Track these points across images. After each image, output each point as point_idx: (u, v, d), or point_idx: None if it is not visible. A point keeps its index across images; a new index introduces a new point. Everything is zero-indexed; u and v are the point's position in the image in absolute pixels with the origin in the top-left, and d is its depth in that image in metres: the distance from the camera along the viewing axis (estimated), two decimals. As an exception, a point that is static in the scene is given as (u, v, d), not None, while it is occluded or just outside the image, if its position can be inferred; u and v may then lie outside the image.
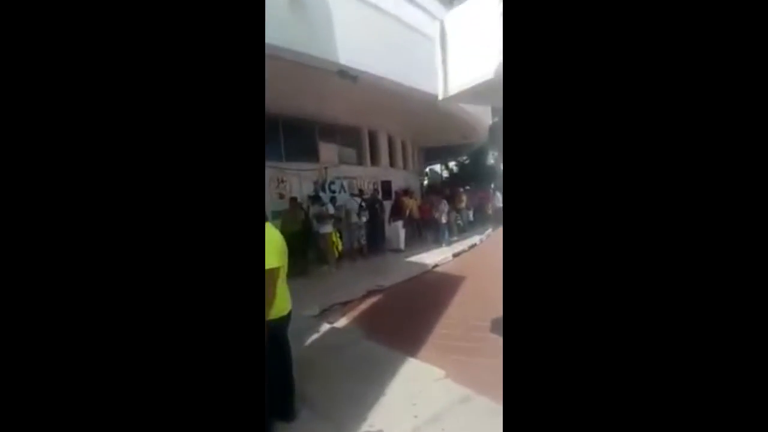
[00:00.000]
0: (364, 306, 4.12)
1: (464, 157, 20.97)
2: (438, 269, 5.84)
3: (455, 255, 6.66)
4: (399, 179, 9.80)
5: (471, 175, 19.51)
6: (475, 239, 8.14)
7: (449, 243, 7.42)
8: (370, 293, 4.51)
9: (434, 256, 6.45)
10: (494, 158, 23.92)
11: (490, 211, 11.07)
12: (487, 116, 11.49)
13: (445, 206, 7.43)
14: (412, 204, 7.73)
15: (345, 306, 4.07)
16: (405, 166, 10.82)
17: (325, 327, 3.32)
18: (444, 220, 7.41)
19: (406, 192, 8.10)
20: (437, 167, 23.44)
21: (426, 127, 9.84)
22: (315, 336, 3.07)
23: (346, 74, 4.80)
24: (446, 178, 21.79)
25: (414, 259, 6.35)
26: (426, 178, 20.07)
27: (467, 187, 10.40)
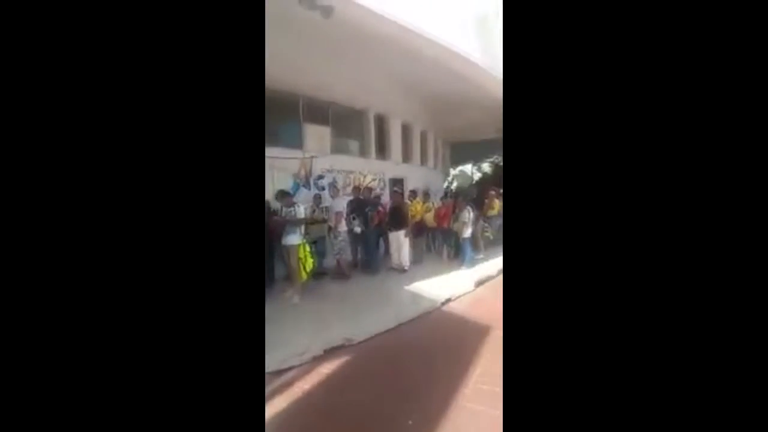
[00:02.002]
0: (303, 385, 2.35)
1: (497, 156, 18.67)
2: (450, 307, 3.95)
3: (479, 283, 4.72)
4: (415, 177, 7.95)
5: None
6: (509, 258, 6.14)
7: (472, 263, 5.47)
8: (326, 353, 2.74)
9: (449, 283, 4.56)
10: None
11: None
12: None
13: (469, 213, 5.49)
14: (419, 209, 5.85)
15: (271, 382, 2.32)
16: (424, 162, 8.96)
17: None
18: (467, 232, 5.47)
19: (414, 193, 6.24)
20: (467, 168, 21.22)
21: (451, 112, 7.96)
22: None
23: (312, 3, 3.07)
24: (477, 180, 19.56)
25: (419, 285, 4.50)
26: (453, 179, 17.98)
27: (501, 190, 8.34)
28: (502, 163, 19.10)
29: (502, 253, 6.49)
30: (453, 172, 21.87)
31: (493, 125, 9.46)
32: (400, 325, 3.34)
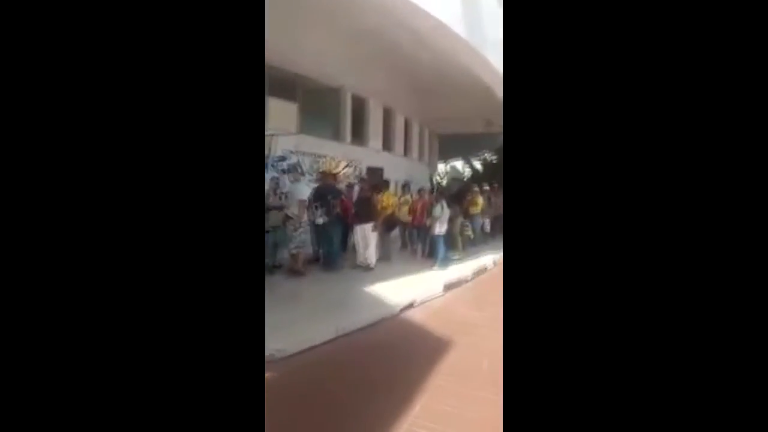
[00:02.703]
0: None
1: (489, 153, 18.17)
2: (410, 314, 3.42)
3: (448, 287, 4.21)
4: (396, 168, 7.39)
5: (496, 175, 16.60)
6: (487, 260, 5.63)
7: (446, 263, 4.95)
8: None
9: (416, 286, 4.04)
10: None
11: (513, 221, 8.46)
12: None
13: (442, 208, 4.94)
14: (391, 201, 5.29)
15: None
16: (407, 153, 8.40)
17: None
18: (439, 229, 4.93)
19: (386, 183, 5.67)
20: (459, 164, 20.69)
21: (438, 99, 7.39)
22: None
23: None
24: (468, 177, 19.03)
25: (382, 286, 3.97)
26: (444, 175, 17.41)
27: (486, 186, 7.82)
28: (493, 160, 18.66)
29: (482, 254, 6.03)
30: (445, 167, 21.35)
31: (482, 117, 8.94)
32: (343, 335, 2.80)
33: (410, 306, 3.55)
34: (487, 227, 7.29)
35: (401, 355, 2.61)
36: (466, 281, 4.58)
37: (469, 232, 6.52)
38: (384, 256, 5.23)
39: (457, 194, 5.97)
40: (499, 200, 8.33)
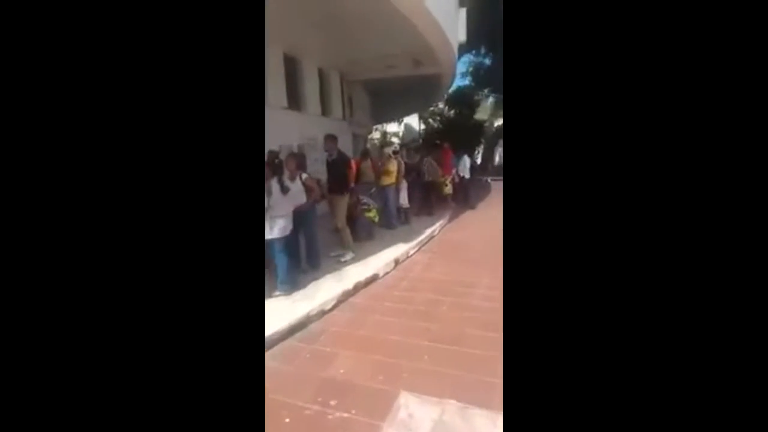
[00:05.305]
0: None
1: (444, 107, 15.99)
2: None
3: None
4: (283, 129, 5.23)
5: (456, 131, 14.62)
6: (386, 259, 3.75)
7: (289, 285, 2.97)
8: None
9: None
10: (490, 108, 18.51)
11: (447, 189, 6.59)
12: (454, 33, 6.69)
13: (280, 188, 2.88)
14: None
15: None
16: (300, 106, 6.16)
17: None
18: (272, 228, 2.89)
19: None
20: (414, 121, 18.40)
21: (346, 33, 5.17)
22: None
23: None
24: (422, 134, 16.93)
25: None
26: (390, 136, 15.15)
27: (391, 150, 5.74)
28: (449, 114, 16.54)
29: (387, 247, 4.18)
30: (399, 127, 19.03)
31: (408, 57, 6.77)
32: None
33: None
34: (405, 201, 5.38)
35: None
36: (323, 313, 2.68)
37: (372, 214, 4.60)
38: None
39: (335, 163, 3.87)
40: (434, 163, 6.41)
